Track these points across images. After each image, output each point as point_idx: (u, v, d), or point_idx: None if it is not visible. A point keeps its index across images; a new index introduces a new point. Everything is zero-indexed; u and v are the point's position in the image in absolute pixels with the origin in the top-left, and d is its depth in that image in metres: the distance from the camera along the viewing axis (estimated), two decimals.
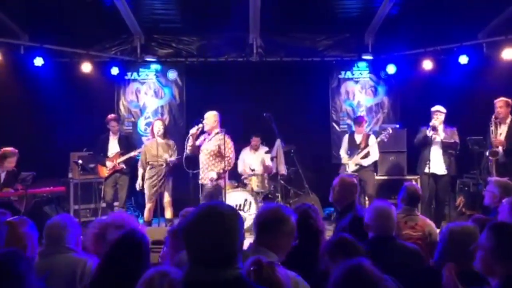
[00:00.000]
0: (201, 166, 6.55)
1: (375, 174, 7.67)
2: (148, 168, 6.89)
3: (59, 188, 7.01)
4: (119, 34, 8.57)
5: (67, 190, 7.49)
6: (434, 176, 6.74)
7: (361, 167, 7.27)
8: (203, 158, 6.51)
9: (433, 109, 6.81)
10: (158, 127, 6.92)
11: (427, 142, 6.72)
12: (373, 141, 7.39)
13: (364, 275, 1.96)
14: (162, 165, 6.77)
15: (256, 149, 8.11)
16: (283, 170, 7.37)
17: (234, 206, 6.82)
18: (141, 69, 8.94)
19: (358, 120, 7.68)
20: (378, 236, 3.16)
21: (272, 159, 7.49)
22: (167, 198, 6.99)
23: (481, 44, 7.89)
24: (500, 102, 6.35)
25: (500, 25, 7.70)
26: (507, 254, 2.11)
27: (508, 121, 6.34)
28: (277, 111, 7.56)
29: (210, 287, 1.69)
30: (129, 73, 8.93)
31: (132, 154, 7.15)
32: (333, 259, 2.62)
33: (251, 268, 1.96)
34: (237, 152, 8.17)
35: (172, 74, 8.99)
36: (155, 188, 6.83)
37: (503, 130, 6.33)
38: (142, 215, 7.93)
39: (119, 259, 2.35)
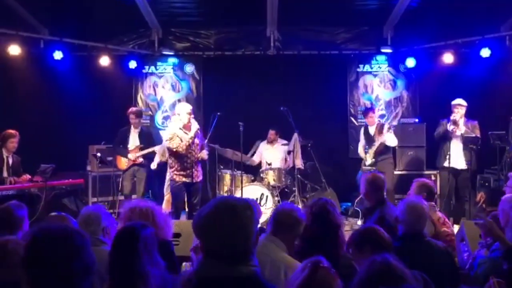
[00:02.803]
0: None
1: (393, 166, 7.56)
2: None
3: (78, 181, 7.09)
4: (137, 27, 8.61)
5: (85, 182, 7.56)
6: (454, 170, 6.62)
7: (378, 160, 7.16)
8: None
9: (453, 102, 6.68)
10: None
11: (447, 136, 6.61)
12: (386, 129, 7.23)
13: (392, 272, 1.94)
14: None
15: (271, 141, 8.09)
16: (300, 164, 7.33)
17: None
18: (158, 63, 8.97)
19: (365, 112, 7.75)
20: (409, 233, 3.12)
21: (289, 153, 7.46)
22: None
23: (504, 37, 7.67)
24: None
25: None
26: None
27: None
28: (295, 105, 7.52)
29: (222, 282, 1.67)
30: (146, 67, 8.96)
31: (152, 149, 7.16)
32: (360, 250, 2.63)
33: (309, 267, 1.95)
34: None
35: (189, 68, 9.00)
36: None
37: None
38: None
39: (119, 253, 2.30)
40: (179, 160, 5.92)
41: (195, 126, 5.97)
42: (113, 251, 2.32)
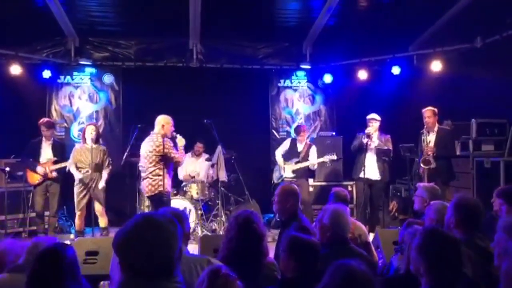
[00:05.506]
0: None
1: (309, 181, 7.82)
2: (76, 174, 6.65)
3: None
4: (52, 35, 8.19)
5: None
6: (368, 181, 6.96)
7: (297, 174, 7.35)
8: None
9: (368, 117, 7.05)
10: (91, 132, 6.68)
11: (363, 149, 6.94)
12: (313, 151, 7.48)
13: (359, 276, 1.99)
14: (88, 171, 6.54)
15: (198, 155, 8.05)
16: (223, 176, 7.33)
17: None
18: (75, 73, 8.61)
19: (297, 130, 7.75)
20: (337, 239, 3.24)
21: (212, 165, 7.44)
22: (98, 206, 6.68)
23: (412, 56, 8.34)
24: (427, 112, 6.68)
25: (428, 39, 8.16)
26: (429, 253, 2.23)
27: (435, 129, 6.69)
28: (218, 118, 7.51)
29: None
30: (62, 77, 8.57)
31: (65, 164, 6.80)
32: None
33: (208, 276, 1.93)
34: None
35: (108, 78, 8.72)
36: (81, 195, 6.61)
37: (431, 138, 6.66)
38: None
39: (41, 274, 2.18)
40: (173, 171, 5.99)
41: (182, 141, 5.98)
42: (34, 276, 2.16)
